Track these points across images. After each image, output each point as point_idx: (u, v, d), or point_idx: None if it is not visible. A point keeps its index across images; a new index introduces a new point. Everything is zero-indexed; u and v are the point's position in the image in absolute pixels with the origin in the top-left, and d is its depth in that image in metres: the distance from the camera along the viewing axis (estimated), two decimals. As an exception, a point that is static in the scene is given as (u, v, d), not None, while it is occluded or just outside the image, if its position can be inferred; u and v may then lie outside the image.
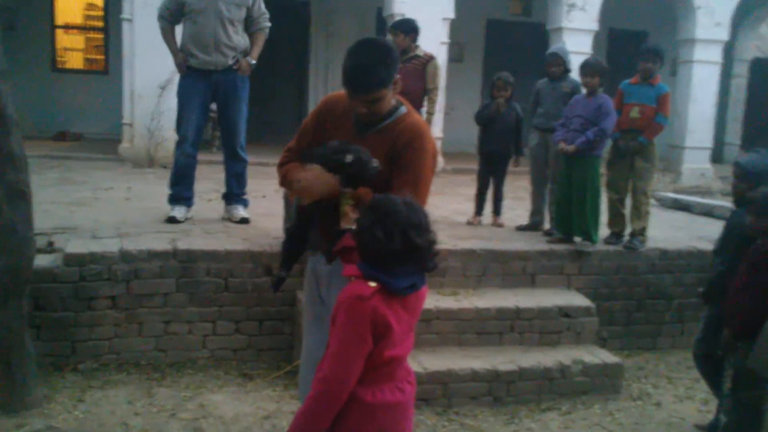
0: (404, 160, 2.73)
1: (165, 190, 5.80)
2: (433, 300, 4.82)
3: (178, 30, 5.73)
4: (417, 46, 6.35)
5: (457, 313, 4.77)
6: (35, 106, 11.80)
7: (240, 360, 4.80)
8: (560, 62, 6.06)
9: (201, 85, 5.55)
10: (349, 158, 2.67)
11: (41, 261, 4.36)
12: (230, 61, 5.53)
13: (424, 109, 6.32)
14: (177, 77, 5.81)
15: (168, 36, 5.69)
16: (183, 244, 4.78)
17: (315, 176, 2.74)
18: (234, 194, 5.81)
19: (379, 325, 2.19)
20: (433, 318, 4.70)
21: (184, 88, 5.64)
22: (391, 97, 2.77)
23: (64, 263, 4.47)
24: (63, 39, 13.30)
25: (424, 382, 4.34)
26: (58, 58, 13.19)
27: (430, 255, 2.29)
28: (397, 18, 6.78)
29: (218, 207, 6.07)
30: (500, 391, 4.53)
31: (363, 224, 2.26)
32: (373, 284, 2.20)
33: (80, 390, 4.24)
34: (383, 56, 2.70)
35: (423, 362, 4.48)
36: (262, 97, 12.99)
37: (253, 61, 5.67)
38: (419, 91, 6.24)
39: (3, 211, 3.79)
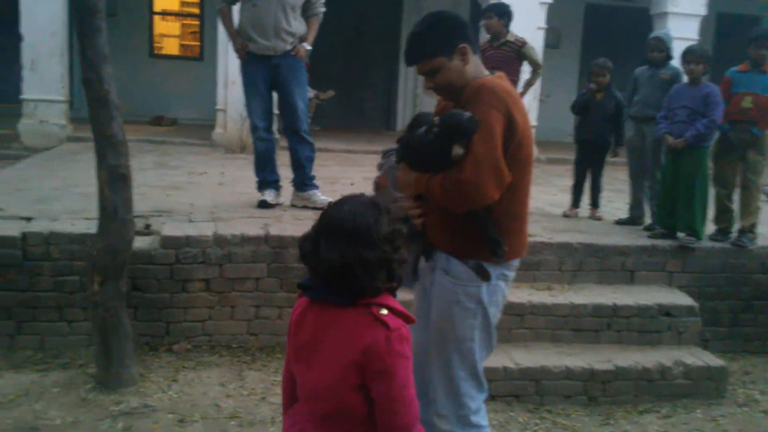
0: None
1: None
2: (526, 294, 4.69)
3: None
4: (509, 32, 6.20)
5: (551, 308, 4.61)
6: (133, 91, 12.20)
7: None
8: (662, 47, 5.78)
9: (261, 69, 5.49)
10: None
11: (139, 243, 4.45)
12: (289, 47, 5.47)
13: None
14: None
15: (227, 19, 5.66)
16: (275, 230, 4.79)
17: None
18: (309, 178, 5.75)
19: (291, 325, 2.03)
20: (526, 313, 4.57)
21: (247, 75, 5.60)
22: (463, 71, 2.59)
23: (160, 246, 4.56)
24: (160, 25, 13.69)
25: (515, 378, 4.25)
26: (155, 45, 13.58)
27: (344, 272, 1.86)
28: (493, 1, 6.60)
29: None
30: (595, 390, 4.36)
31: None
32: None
33: (174, 370, 4.32)
34: (433, 23, 2.59)
35: (515, 357, 4.35)
36: (351, 84, 13.06)
37: (309, 47, 5.61)
38: (512, 77, 6.09)
39: (104, 194, 3.88)
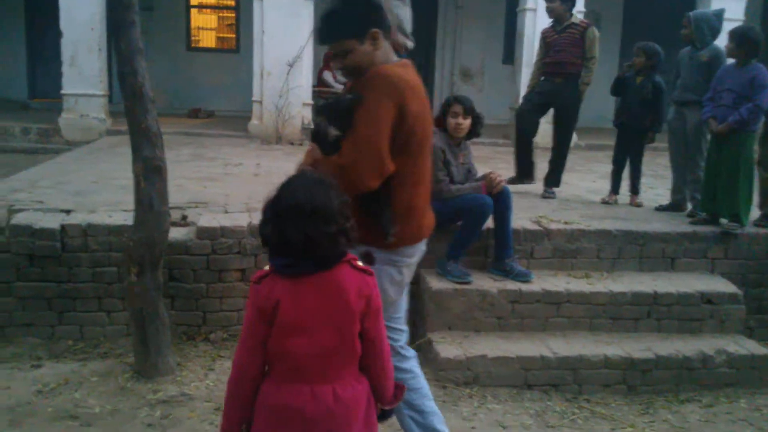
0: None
1: (293, 167, 5.85)
2: (563, 282, 4.62)
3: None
4: (573, 15, 6.10)
5: (589, 296, 4.53)
6: (171, 84, 12.34)
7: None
8: (687, 24, 5.63)
9: None
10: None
11: (176, 234, 4.49)
12: None
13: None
14: (305, 55, 5.78)
15: None
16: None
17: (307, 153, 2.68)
18: None
19: (267, 309, 2.01)
20: (563, 301, 4.50)
21: None
22: (373, 55, 2.58)
23: (197, 236, 4.59)
24: (197, 18, 13.80)
25: (552, 367, 4.19)
26: (193, 38, 13.70)
27: (313, 248, 1.99)
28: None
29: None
30: (635, 379, 4.28)
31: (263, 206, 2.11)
32: (267, 267, 2.08)
33: (210, 359, 4.35)
34: (345, 4, 2.58)
35: (552, 346, 4.29)
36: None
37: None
38: (575, 61, 6.01)
39: (140, 186, 3.92)
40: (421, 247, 2.84)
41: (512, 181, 6.29)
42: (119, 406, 3.70)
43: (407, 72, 2.63)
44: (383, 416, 2.28)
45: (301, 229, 1.98)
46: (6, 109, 12.19)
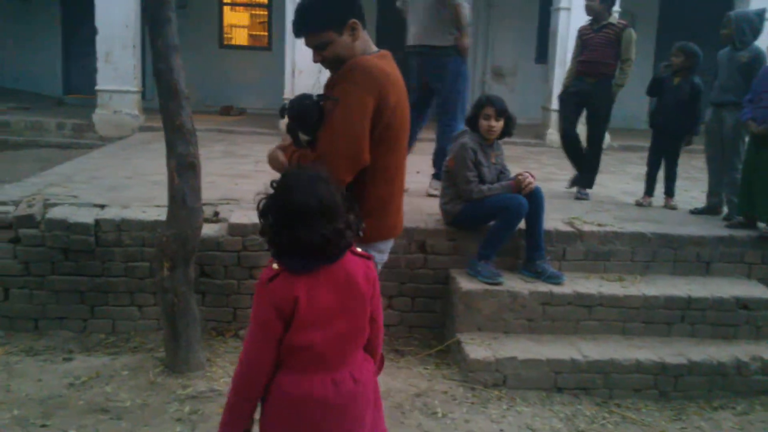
0: (335, 94, 2.52)
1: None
2: (595, 285, 4.57)
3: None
4: (611, 14, 6.04)
5: (622, 299, 4.47)
6: (203, 81, 12.43)
7: (391, 335, 4.76)
8: (728, 24, 5.52)
9: None
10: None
11: (207, 230, 4.51)
12: None
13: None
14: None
15: None
16: (339, 218, 4.78)
17: (271, 150, 2.69)
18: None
19: (285, 307, 2.00)
20: (595, 304, 4.44)
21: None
22: (352, 46, 2.57)
23: (228, 233, 4.61)
24: (229, 16, 13.90)
25: (583, 370, 4.14)
26: (225, 35, 13.79)
27: (327, 247, 2.01)
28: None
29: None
30: (667, 384, 4.20)
31: (260, 207, 2.09)
32: (275, 266, 2.04)
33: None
34: None
35: (583, 349, 4.24)
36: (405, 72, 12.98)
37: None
38: (610, 61, 5.95)
39: (174, 183, 3.94)
40: (391, 244, 2.85)
41: (575, 182, 6.24)
42: (149, 401, 3.73)
43: (387, 63, 2.62)
44: None
45: (317, 230, 1.98)
46: (41, 105, 12.38)
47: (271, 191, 2.07)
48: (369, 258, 2.16)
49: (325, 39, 2.54)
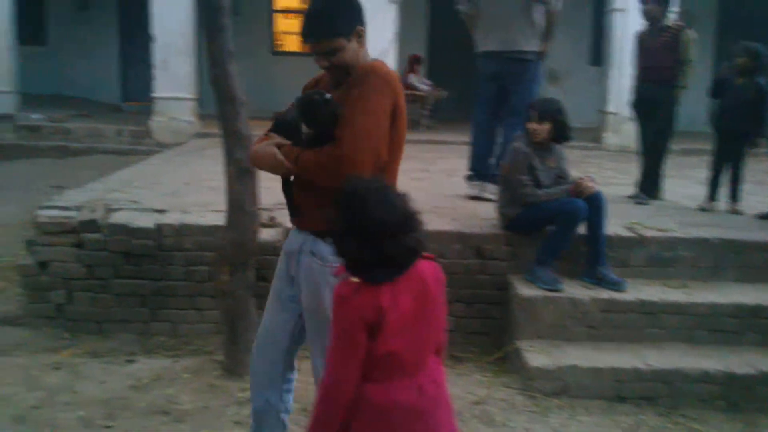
0: (350, 99, 2.50)
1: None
2: (658, 292, 4.45)
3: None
4: (668, 16, 5.92)
5: (686, 307, 4.34)
6: (255, 88, 12.52)
7: (449, 341, 4.69)
8: None
9: None
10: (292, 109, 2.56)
11: (264, 235, 4.54)
12: None
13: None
14: (388, 57, 5.85)
15: None
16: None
17: (260, 147, 2.64)
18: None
19: (371, 318, 1.99)
20: (658, 311, 4.32)
21: None
22: (359, 53, 2.59)
23: (284, 237, 4.62)
24: (281, 23, 14.03)
25: (646, 379, 4.03)
26: (276, 42, 13.92)
27: (413, 256, 2.04)
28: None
29: (427, 186, 6.03)
30: (735, 395, 4.06)
31: (335, 226, 2.05)
32: (354, 279, 2.02)
33: (297, 359, 4.36)
34: (334, 3, 2.59)
35: (646, 358, 4.13)
36: (469, 75, 12.89)
37: None
38: (670, 65, 5.83)
39: (232, 188, 3.98)
40: None
41: (641, 189, 6.12)
42: (209, 403, 3.77)
43: (391, 70, 2.67)
44: None
45: (402, 242, 1.99)
46: (100, 112, 12.68)
47: (339, 209, 2.04)
48: (433, 258, 2.16)
49: (336, 45, 2.55)
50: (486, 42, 5.69)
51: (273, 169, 2.59)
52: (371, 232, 1.98)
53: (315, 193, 2.54)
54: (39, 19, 14.08)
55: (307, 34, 2.59)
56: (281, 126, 2.67)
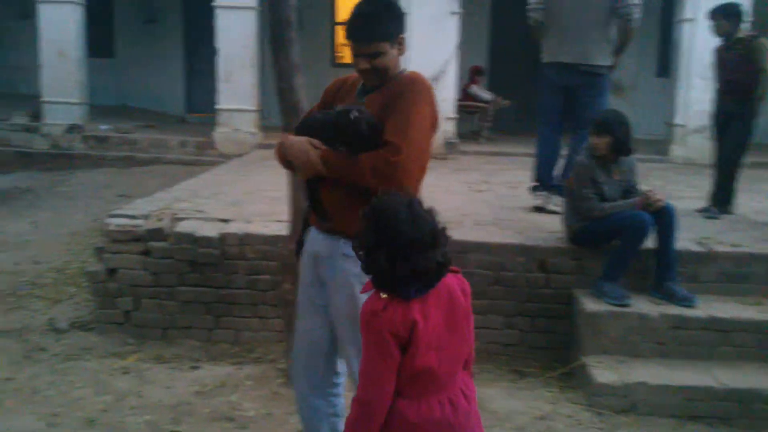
0: (399, 107, 2.52)
1: (448, 179, 5.84)
2: (731, 308, 4.31)
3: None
4: (739, 29, 5.79)
5: (761, 325, 4.18)
6: (317, 99, 12.61)
7: (511, 356, 4.65)
8: None
9: None
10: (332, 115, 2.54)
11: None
12: None
13: None
14: (450, 68, 5.83)
15: None
16: (456, 235, 4.71)
17: (296, 141, 2.61)
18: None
19: (404, 333, 1.98)
20: (731, 329, 4.17)
21: None
22: (397, 60, 2.64)
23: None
24: (341, 35, 14.14)
25: (719, 398, 3.90)
26: (337, 54, 14.05)
27: (442, 271, 2.03)
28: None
29: (489, 198, 5.98)
30: (816, 418, 3.89)
31: (363, 242, 2.04)
32: (384, 295, 2.01)
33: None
34: (385, 8, 2.61)
35: (719, 376, 3.99)
36: (531, 85, 12.77)
37: None
38: (747, 78, 5.68)
39: (295, 198, 3.98)
40: None
41: (713, 203, 5.96)
42: (272, 411, 3.79)
43: None
44: None
45: (431, 258, 1.99)
46: (165, 123, 12.99)
47: (368, 224, 2.03)
48: (458, 272, 2.16)
49: (380, 49, 2.58)
50: (557, 53, 5.61)
51: (303, 165, 2.58)
52: (401, 248, 1.98)
53: (348, 196, 2.54)
54: (108, 32, 14.52)
55: (355, 35, 2.62)
56: (311, 128, 2.66)
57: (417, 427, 2.03)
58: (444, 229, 2.05)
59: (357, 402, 2.06)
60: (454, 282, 2.12)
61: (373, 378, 2.02)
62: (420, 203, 2.07)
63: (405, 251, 1.97)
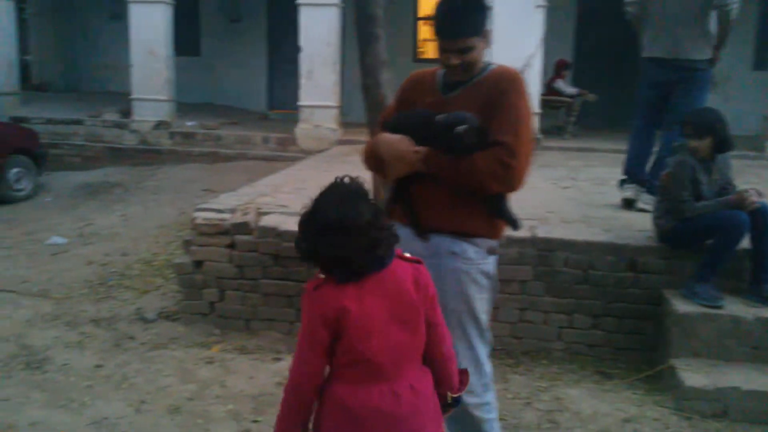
0: (505, 105, 2.52)
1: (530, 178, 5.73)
2: None
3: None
4: None
5: None
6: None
7: (596, 356, 4.53)
8: None
9: None
10: (460, 128, 2.45)
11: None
12: None
13: None
14: (534, 62, 5.71)
15: None
16: (542, 232, 4.63)
17: (393, 138, 2.61)
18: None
19: (332, 316, 1.98)
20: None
21: None
22: (483, 54, 2.62)
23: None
24: (424, 30, 14.12)
25: None
26: (419, 49, 14.03)
27: (368, 256, 1.99)
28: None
29: (575, 195, 5.85)
30: None
31: (300, 220, 2.05)
32: (321, 275, 2.03)
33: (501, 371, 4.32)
34: (473, 2, 2.58)
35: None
36: (619, 80, 12.44)
37: None
38: None
39: (378, 193, 3.99)
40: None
41: None
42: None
43: None
44: (452, 405, 2.26)
45: (358, 246, 1.97)
46: (248, 120, 13.25)
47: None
48: (419, 262, 2.14)
49: (471, 44, 2.57)
50: (653, 47, 5.43)
51: (400, 163, 2.60)
52: (321, 230, 1.98)
53: (450, 195, 2.56)
54: (194, 31, 14.93)
55: (444, 30, 2.62)
56: (405, 130, 2.64)
57: (352, 412, 2.02)
58: (379, 218, 2.02)
59: (288, 379, 2.08)
60: (406, 272, 2.09)
61: (300, 355, 2.05)
62: (363, 190, 2.05)
63: (327, 234, 1.97)
